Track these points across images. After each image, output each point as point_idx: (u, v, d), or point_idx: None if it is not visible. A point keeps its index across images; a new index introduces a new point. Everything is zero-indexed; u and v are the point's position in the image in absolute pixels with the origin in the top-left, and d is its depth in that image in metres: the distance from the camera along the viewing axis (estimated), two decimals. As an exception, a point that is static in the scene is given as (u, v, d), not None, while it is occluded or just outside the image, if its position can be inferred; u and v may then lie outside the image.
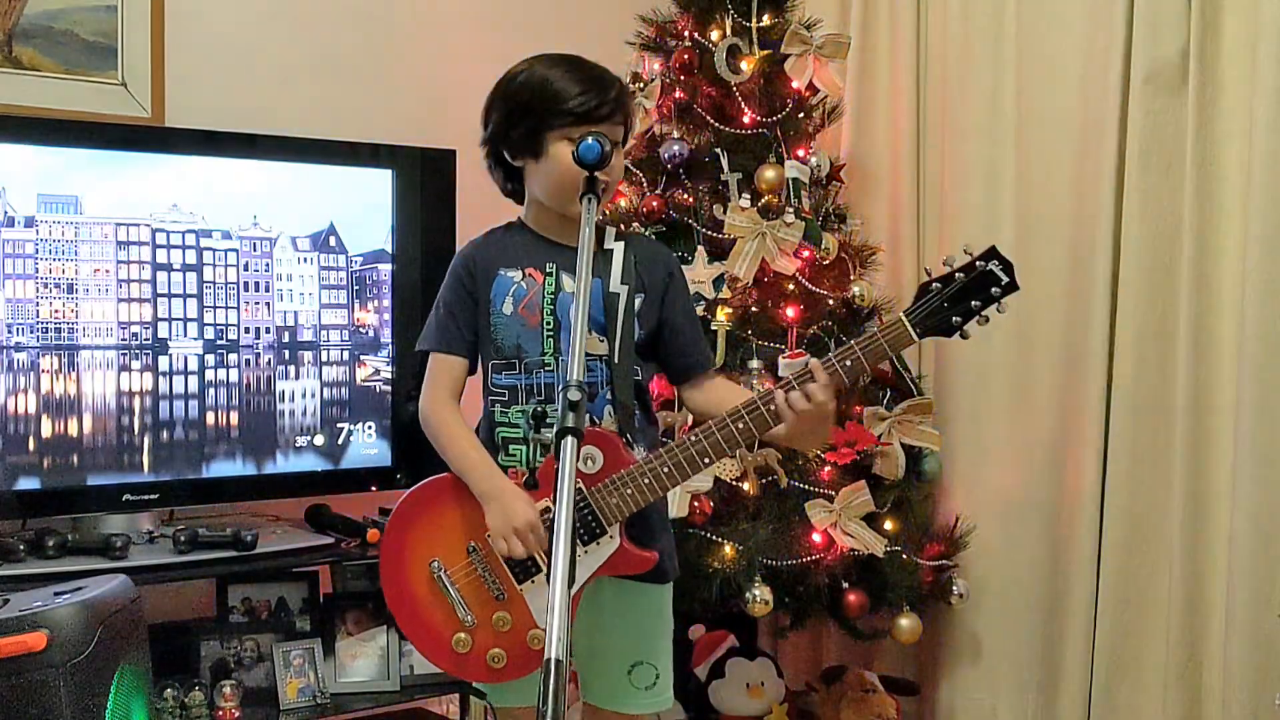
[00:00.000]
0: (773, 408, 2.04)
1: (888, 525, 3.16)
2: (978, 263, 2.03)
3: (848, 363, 2.04)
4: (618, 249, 2.19)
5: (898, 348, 2.07)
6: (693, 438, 2.06)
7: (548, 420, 2.11)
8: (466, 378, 2.22)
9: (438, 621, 2.13)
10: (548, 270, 2.16)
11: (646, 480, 2.05)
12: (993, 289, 2.02)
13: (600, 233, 2.21)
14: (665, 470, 2.06)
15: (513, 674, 2.12)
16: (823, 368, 2.03)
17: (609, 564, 2.09)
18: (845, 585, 3.08)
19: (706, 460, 2.06)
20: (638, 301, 2.17)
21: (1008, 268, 2.02)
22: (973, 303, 2.03)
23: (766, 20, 3.32)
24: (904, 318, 2.04)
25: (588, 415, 2.07)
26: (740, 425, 2.05)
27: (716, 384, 2.29)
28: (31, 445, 2.84)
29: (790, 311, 3.17)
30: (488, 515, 2.08)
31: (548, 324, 2.14)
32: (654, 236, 3.14)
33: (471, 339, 2.20)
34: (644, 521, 2.12)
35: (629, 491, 2.06)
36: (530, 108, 2.12)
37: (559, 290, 2.15)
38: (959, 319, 2.03)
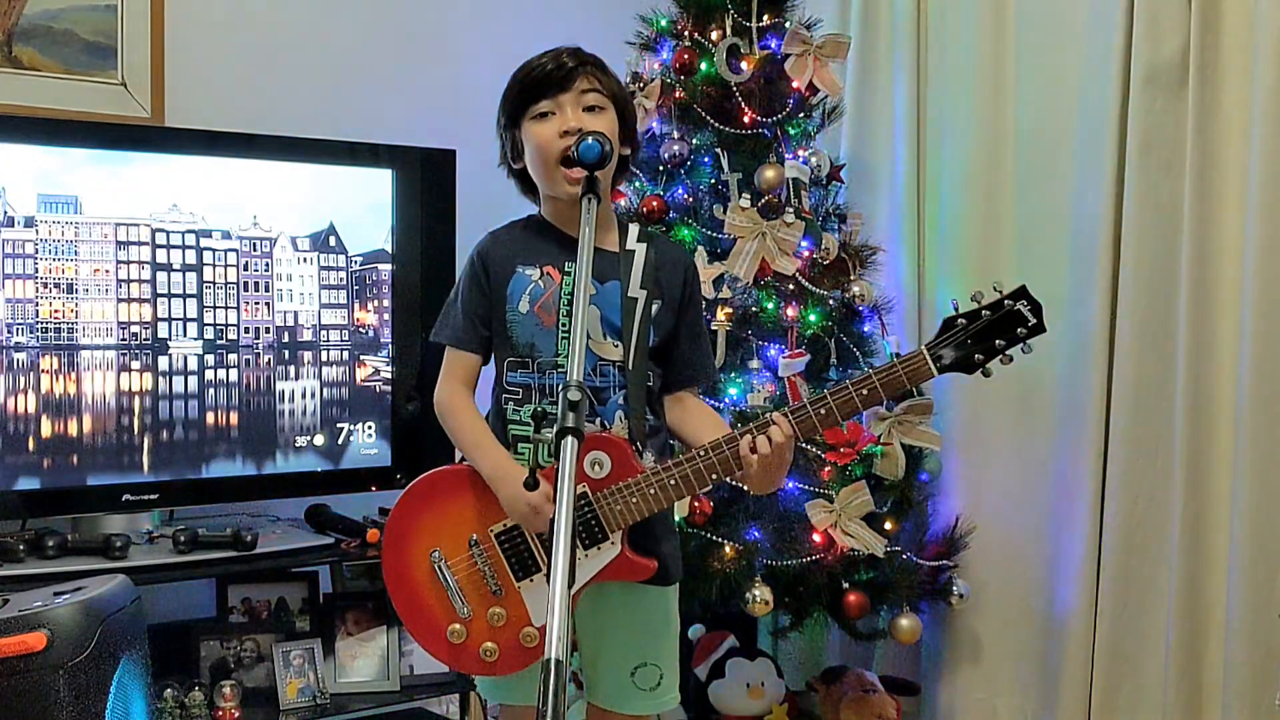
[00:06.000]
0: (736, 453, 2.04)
1: (888, 525, 3.15)
2: (1005, 301, 2.02)
3: (864, 392, 2.03)
4: (639, 250, 2.17)
5: (916, 381, 2.06)
6: (703, 453, 2.06)
7: (550, 420, 2.10)
8: (481, 370, 2.22)
9: (435, 611, 2.14)
10: (566, 270, 2.13)
11: (653, 490, 2.05)
12: (1019, 329, 2.01)
13: (623, 231, 2.21)
14: (673, 482, 2.05)
15: (504, 669, 2.13)
16: (785, 420, 2.03)
17: (608, 570, 2.08)
18: (845, 585, 3.08)
19: (714, 476, 2.06)
20: (654, 307, 2.16)
21: (1036, 309, 2.01)
22: (997, 341, 2.02)
23: (766, 20, 3.32)
24: (925, 351, 2.03)
25: (599, 420, 2.09)
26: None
27: (696, 406, 2.27)
28: (31, 445, 2.84)
29: (790, 311, 3.17)
30: (502, 502, 2.09)
31: (563, 325, 2.12)
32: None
33: (486, 335, 2.19)
34: (648, 526, 2.11)
35: (634, 500, 2.05)
36: (505, 107, 2.15)
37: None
38: (981, 356, 2.02)
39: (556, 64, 2.09)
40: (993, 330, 2.02)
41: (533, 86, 2.10)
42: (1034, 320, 2.02)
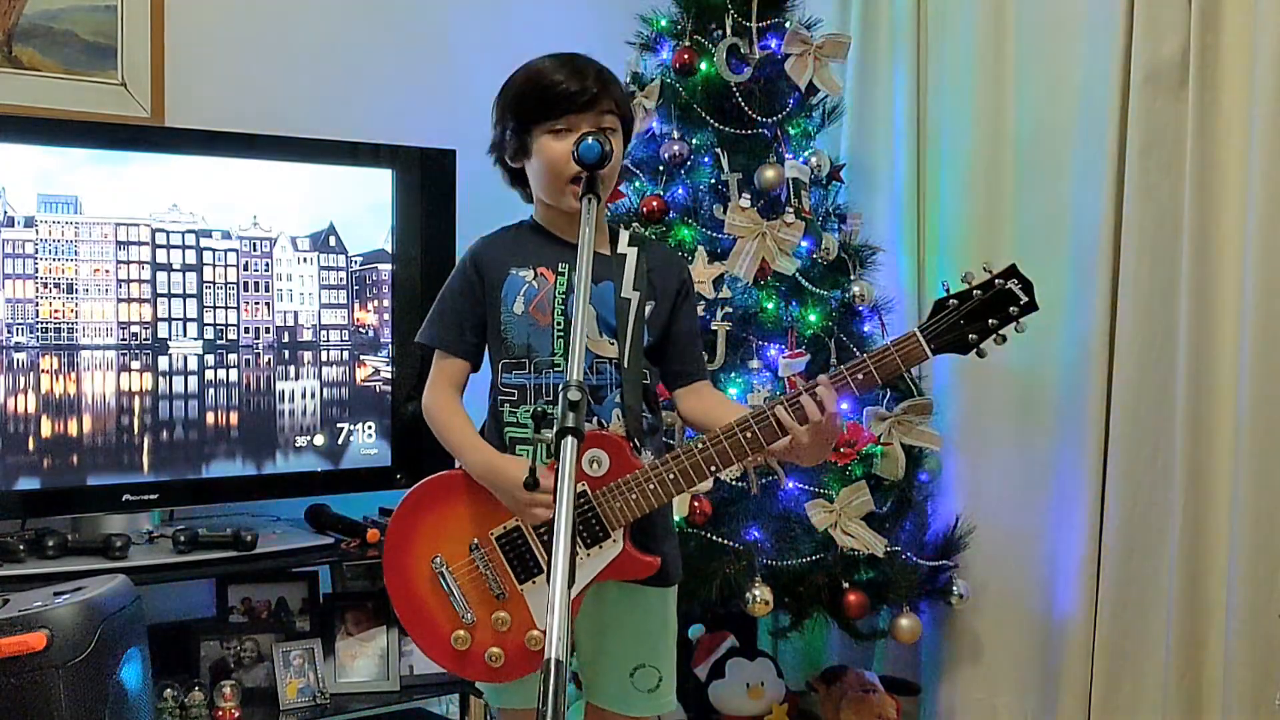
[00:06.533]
0: (778, 418, 2.03)
1: (888, 525, 3.15)
2: (996, 280, 2.02)
3: (859, 376, 2.03)
4: (631, 254, 2.19)
5: (911, 363, 2.06)
6: (700, 445, 2.05)
7: (549, 420, 2.10)
8: (469, 375, 2.22)
9: (438, 618, 2.13)
10: (559, 270, 2.15)
11: (652, 486, 2.05)
12: (1011, 308, 2.01)
13: (614, 235, 2.22)
14: (671, 477, 2.05)
15: (510, 674, 2.12)
16: (831, 382, 2.03)
17: (612, 568, 2.08)
18: (845, 585, 3.08)
19: (713, 468, 2.06)
20: (648, 308, 2.17)
21: (1027, 287, 2.01)
22: (990, 320, 2.01)
23: (766, 20, 3.31)
24: (919, 333, 2.03)
25: (596, 418, 2.09)
26: (749, 435, 2.05)
27: (710, 393, 2.29)
28: (31, 445, 2.84)
29: (790, 311, 3.17)
30: (500, 496, 2.09)
31: (558, 324, 2.13)
32: (654, 236, 3.14)
33: (474, 340, 2.20)
34: (648, 525, 2.12)
35: (634, 496, 2.05)
36: (515, 108, 2.14)
37: (570, 290, 2.13)
38: (975, 336, 2.02)
39: (581, 87, 2.09)
40: (985, 310, 2.02)
41: (554, 102, 2.09)
42: (1026, 298, 2.01)
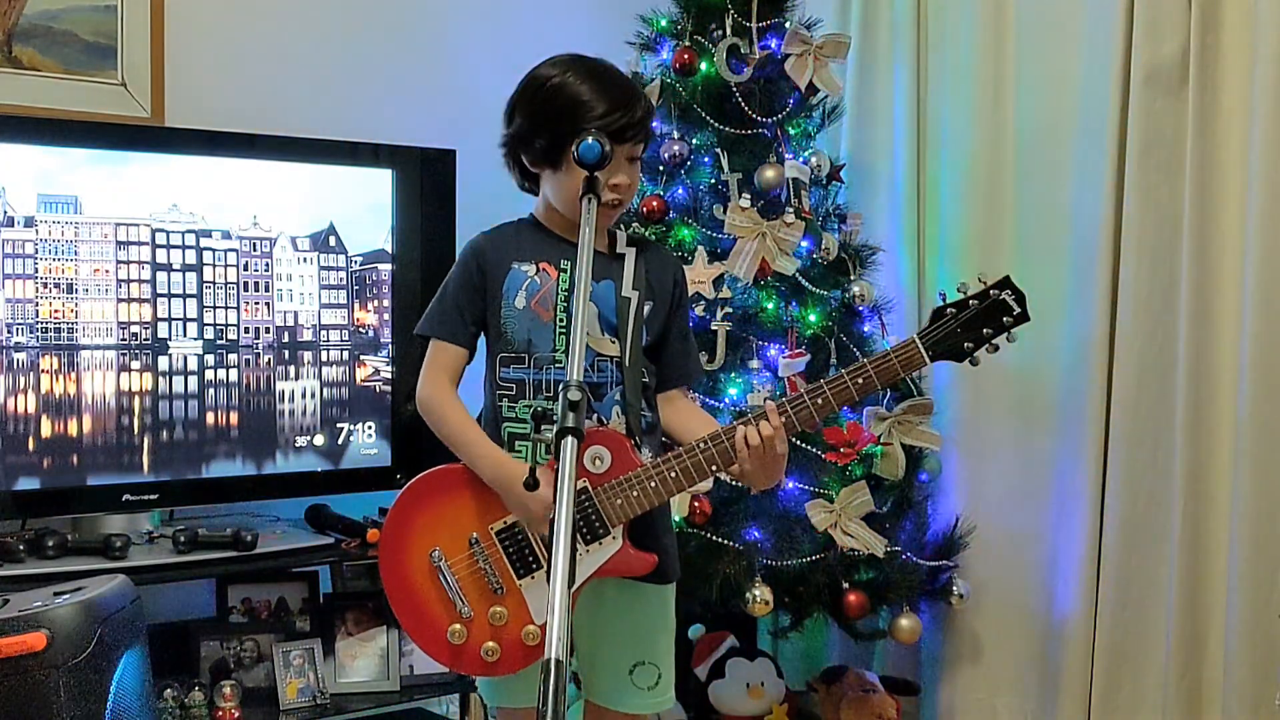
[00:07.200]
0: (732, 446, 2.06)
1: (888, 525, 3.15)
2: (991, 291, 2.09)
3: (859, 381, 2.07)
4: (629, 254, 2.20)
5: (910, 369, 2.12)
6: (701, 445, 2.07)
7: (550, 418, 2.10)
8: (465, 367, 2.22)
9: (434, 612, 2.13)
10: (562, 266, 2.15)
11: (653, 484, 2.06)
12: (1005, 318, 2.09)
13: (612, 237, 2.23)
14: (672, 475, 2.07)
15: (505, 668, 2.13)
16: (775, 410, 2.05)
17: (610, 565, 2.09)
18: (845, 585, 3.08)
19: (714, 468, 2.08)
20: (647, 308, 2.18)
21: (1020, 298, 2.09)
22: (984, 330, 2.09)
23: (766, 20, 3.32)
24: (918, 339, 2.09)
25: (596, 415, 2.10)
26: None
27: (687, 405, 2.30)
28: (31, 445, 2.84)
29: (790, 311, 3.17)
30: (508, 503, 2.09)
31: (560, 320, 2.13)
32: (654, 237, 3.14)
33: (475, 330, 2.20)
34: (647, 523, 2.13)
35: (635, 494, 2.06)
36: (554, 120, 2.10)
37: (573, 287, 2.13)
38: (970, 344, 2.09)
39: (627, 122, 2.08)
40: (980, 319, 2.09)
41: (601, 131, 2.04)
42: (1019, 309, 2.09)
